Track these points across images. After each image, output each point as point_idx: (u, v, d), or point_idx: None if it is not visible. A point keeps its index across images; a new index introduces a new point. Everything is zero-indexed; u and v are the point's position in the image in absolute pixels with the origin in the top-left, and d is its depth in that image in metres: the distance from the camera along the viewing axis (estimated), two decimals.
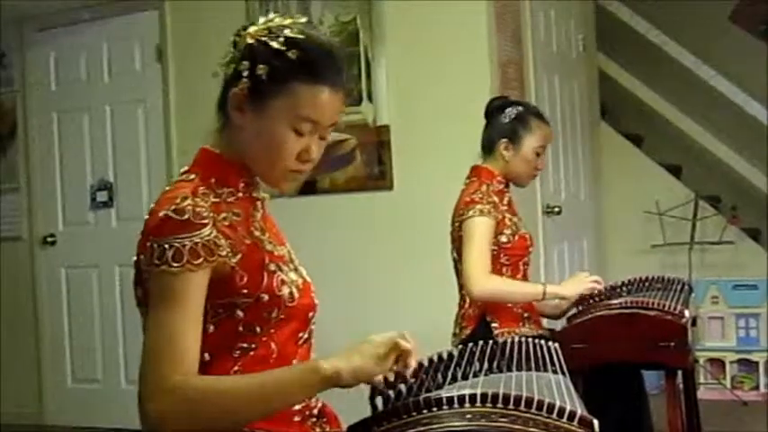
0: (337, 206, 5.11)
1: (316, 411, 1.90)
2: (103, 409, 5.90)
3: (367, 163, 5.09)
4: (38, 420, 6.18)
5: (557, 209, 5.39)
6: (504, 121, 3.49)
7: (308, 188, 5.11)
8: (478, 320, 3.40)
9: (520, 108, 3.55)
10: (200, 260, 1.71)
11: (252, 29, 1.86)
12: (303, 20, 1.90)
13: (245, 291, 1.78)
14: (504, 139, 3.46)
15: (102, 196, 6.03)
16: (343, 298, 4.78)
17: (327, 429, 1.90)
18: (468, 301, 3.44)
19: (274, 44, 1.81)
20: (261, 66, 1.80)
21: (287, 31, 1.83)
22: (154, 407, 1.66)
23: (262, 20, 1.88)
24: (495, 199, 3.40)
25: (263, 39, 1.83)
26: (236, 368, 1.80)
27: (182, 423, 1.66)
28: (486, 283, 3.28)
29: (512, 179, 3.52)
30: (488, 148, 3.52)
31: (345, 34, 5.00)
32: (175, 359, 1.68)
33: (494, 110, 3.56)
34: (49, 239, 6.17)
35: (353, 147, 5.07)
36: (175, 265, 1.70)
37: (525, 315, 3.45)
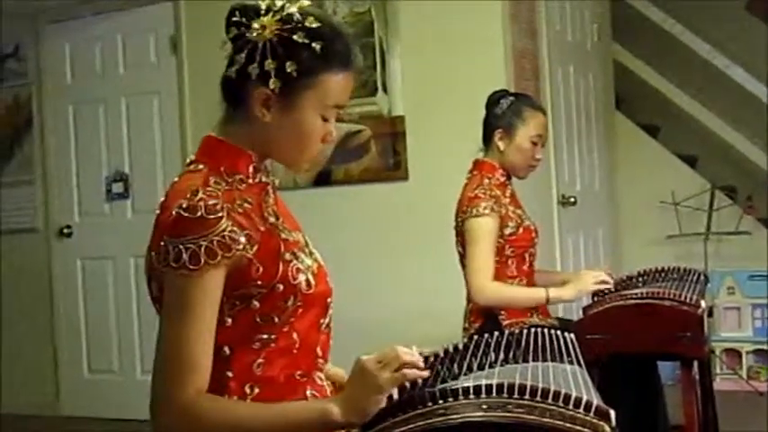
0: (352, 197, 5.11)
1: None
2: (119, 400, 5.92)
3: (382, 154, 5.09)
4: (54, 411, 6.20)
5: (572, 199, 5.38)
6: (499, 112, 3.50)
7: (323, 179, 5.11)
8: (486, 314, 3.41)
9: (513, 98, 3.55)
10: (218, 258, 1.71)
11: (264, 20, 1.82)
12: (306, 2, 1.88)
13: (260, 281, 1.78)
14: (499, 130, 3.47)
15: (117, 188, 6.05)
16: (358, 289, 4.78)
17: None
18: None
19: (297, 38, 1.80)
20: (289, 63, 1.80)
21: (303, 20, 1.82)
22: (164, 422, 1.70)
23: (263, 6, 1.85)
24: (498, 192, 3.40)
25: (283, 33, 1.81)
26: (259, 360, 1.80)
27: None
28: (489, 291, 3.31)
29: (510, 170, 3.52)
30: (487, 140, 3.53)
31: (360, 25, 5.00)
32: (187, 374, 1.70)
33: (491, 102, 3.57)
34: (65, 231, 6.19)
35: (368, 138, 5.07)
36: (192, 267, 1.69)
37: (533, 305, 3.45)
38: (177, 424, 1.69)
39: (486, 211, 3.32)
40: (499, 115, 3.50)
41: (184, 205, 1.72)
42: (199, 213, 1.71)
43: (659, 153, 6.48)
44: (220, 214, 1.73)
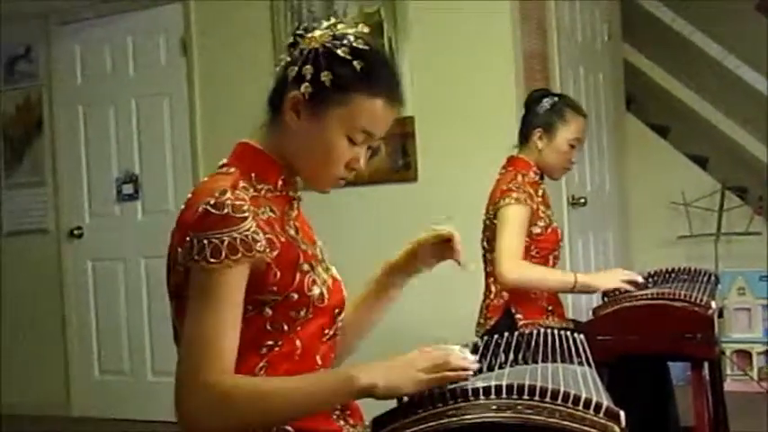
0: (361, 198, 5.10)
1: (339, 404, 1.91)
2: (130, 401, 5.94)
3: (391, 155, 5.09)
4: (65, 412, 6.22)
5: (582, 200, 5.37)
6: (540, 111, 3.49)
7: None
8: (503, 311, 3.41)
9: (556, 99, 3.55)
10: (239, 255, 1.72)
11: (317, 33, 1.86)
12: (366, 29, 1.91)
13: (275, 288, 1.79)
14: (539, 129, 3.46)
15: (127, 189, 6.06)
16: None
17: (351, 422, 1.91)
18: (493, 291, 3.44)
19: (340, 52, 1.82)
20: (325, 72, 1.81)
21: (352, 40, 1.84)
22: (189, 406, 1.69)
23: (324, 24, 1.89)
24: (530, 190, 3.39)
25: (329, 45, 1.83)
26: (261, 364, 1.81)
27: (215, 421, 1.68)
28: (518, 268, 3.26)
29: (545, 170, 3.51)
30: (524, 138, 3.52)
31: (369, 26, 4.98)
32: (212, 359, 1.70)
33: (532, 100, 3.56)
34: (76, 232, 6.21)
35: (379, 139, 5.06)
36: (213, 261, 1.71)
37: (549, 308, 3.45)
38: (203, 406, 1.68)
39: (520, 201, 3.31)
40: (540, 114, 3.49)
41: (212, 202, 1.73)
42: (225, 210, 1.73)
43: (670, 154, 6.47)
44: (246, 214, 1.74)
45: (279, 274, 1.79)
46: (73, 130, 6.25)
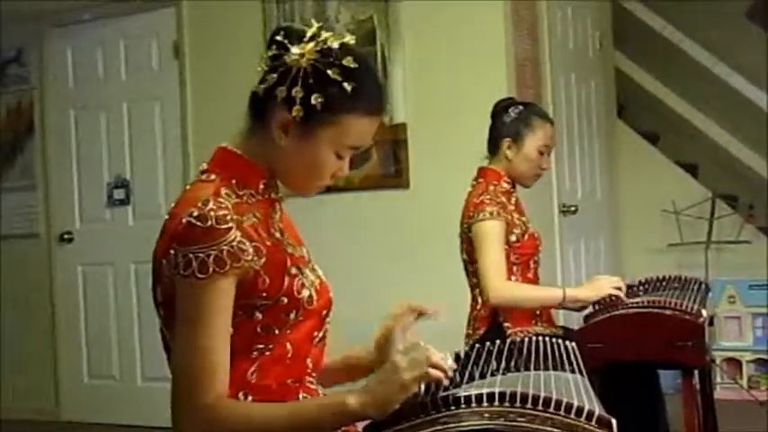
0: (353, 204, 5.11)
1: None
2: (119, 406, 5.92)
3: (383, 161, 5.09)
4: (54, 416, 6.20)
5: (573, 208, 5.37)
6: (507, 120, 3.51)
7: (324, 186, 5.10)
8: (491, 321, 3.41)
9: (522, 108, 3.56)
10: (227, 268, 1.72)
11: (305, 48, 1.83)
12: (349, 38, 1.89)
13: (265, 294, 1.79)
14: (507, 139, 3.48)
15: (119, 194, 6.05)
16: (359, 297, 4.76)
17: (343, 428, 1.90)
18: (479, 302, 3.44)
19: (330, 73, 1.81)
20: (316, 95, 1.80)
21: (341, 57, 1.82)
22: (185, 427, 1.71)
23: (309, 33, 1.85)
24: (503, 199, 3.41)
25: (318, 65, 1.82)
26: (252, 369, 1.82)
27: None
28: (504, 290, 3.29)
29: (516, 179, 3.52)
30: (493, 148, 3.53)
31: (362, 33, 4.99)
32: (207, 380, 1.71)
33: (498, 110, 3.57)
34: (66, 237, 6.20)
35: (370, 145, 5.06)
36: (201, 276, 1.71)
37: (537, 313, 3.46)
38: (199, 428, 1.71)
39: (494, 215, 3.32)
40: (507, 124, 3.50)
41: (195, 214, 1.73)
42: (209, 223, 1.72)
43: (660, 161, 6.48)
44: (230, 224, 1.74)
45: (267, 280, 1.79)
46: (64, 134, 6.24)
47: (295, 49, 1.83)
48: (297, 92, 1.81)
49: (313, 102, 1.81)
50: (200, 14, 5.65)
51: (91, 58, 6.13)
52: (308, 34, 1.86)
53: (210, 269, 1.70)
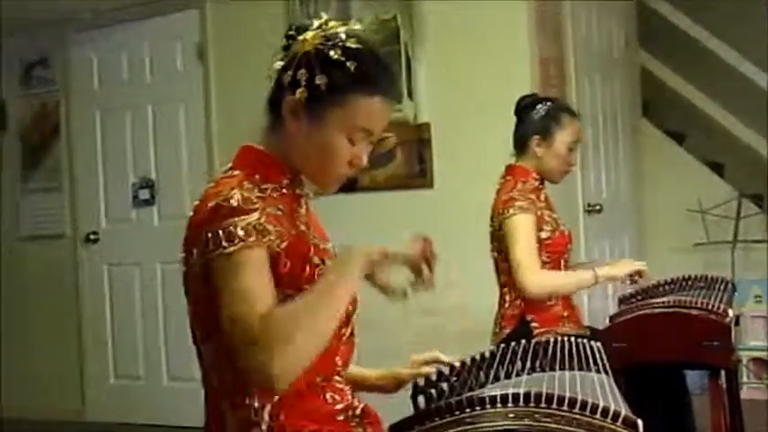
0: (377, 204, 5.11)
1: (358, 411, 1.90)
2: (145, 406, 5.95)
3: (407, 161, 5.09)
4: (80, 416, 6.24)
5: (598, 207, 5.36)
6: (536, 117, 3.49)
7: (349, 186, 5.07)
8: (518, 320, 3.39)
9: (550, 104, 3.55)
10: (253, 238, 1.71)
11: (308, 35, 1.87)
12: (357, 26, 1.91)
13: (287, 279, 1.78)
14: (537, 136, 3.46)
15: (144, 194, 6.08)
16: (383, 297, 4.77)
17: (369, 429, 1.90)
18: (508, 300, 3.43)
19: (333, 54, 1.82)
20: (320, 76, 1.82)
21: (345, 40, 1.84)
22: (260, 353, 1.64)
23: (315, 23, 1.89)
24: (533, 196, 3.40)
25: (322, 48, 1.84)
26: None
27: (286, 343, 1.64)
28: (541, 279, 3.29)
29: (545, 175, 3.51)
30: (521, 145, 3.52)
31: (386, 32, 4.99)
32: (254, 302, 1.68)
33: (524, 107, 3.55)
34: (92, 237, 6.23)
35: (394, 144, 5.06)
36: (230, 245, 1.70)
37: (565, 314, 3.44)
38: (269, 338, 1.64)
39: (523, 209, 3.32)
40: (535, 120, 3.48)
41: (221, 198, 1.75)
42: (234, 203, 1.74)
43: (686, 161, 6.44)
44: (256, 206, 1.75)
45: (289, 264, 1.79)
46: (89, 136, 6.27)
47: (300, 37, 1.88)
48: (301, 74, 1.83)
49: (317, 82, 1.82)
50: (223, 16, 5.67)
51: (115, 60, 6.17)
52: (316, 24, 1.89)
53: (237, 238, 1.70)
